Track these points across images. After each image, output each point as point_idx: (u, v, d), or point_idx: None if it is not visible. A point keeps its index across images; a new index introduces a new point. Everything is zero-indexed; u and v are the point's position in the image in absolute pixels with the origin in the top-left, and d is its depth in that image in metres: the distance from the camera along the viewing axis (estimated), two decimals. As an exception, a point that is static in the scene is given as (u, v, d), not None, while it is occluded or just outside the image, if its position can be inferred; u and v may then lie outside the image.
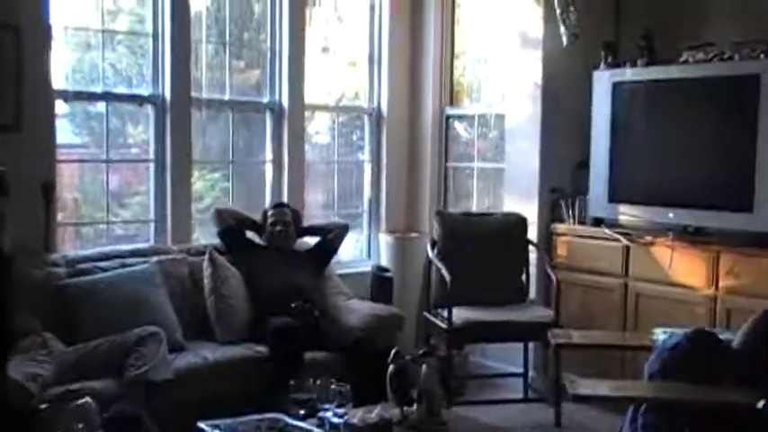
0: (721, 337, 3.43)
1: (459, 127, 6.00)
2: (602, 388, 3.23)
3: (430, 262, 5.06)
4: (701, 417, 3.04)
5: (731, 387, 3.06)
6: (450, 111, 5.92)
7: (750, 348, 3.21)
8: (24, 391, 3.22)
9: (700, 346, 3.15)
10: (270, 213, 4.84)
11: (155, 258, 4.49)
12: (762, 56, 4.28)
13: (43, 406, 2.97)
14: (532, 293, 5.12)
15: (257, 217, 4.91)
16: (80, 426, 2.87)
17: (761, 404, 2.75)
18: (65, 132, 4.66)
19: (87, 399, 3.02)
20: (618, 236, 4.79)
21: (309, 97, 5.47)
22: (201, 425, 2.99)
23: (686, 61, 4.61)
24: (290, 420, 3.07)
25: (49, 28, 4.34)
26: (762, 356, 3.18)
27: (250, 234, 4.91)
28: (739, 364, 3.16)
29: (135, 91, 4.82)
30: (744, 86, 4.27)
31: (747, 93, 4.23)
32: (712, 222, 4.44)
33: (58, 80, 4.47)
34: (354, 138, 6.00)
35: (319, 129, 5.90)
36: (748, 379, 3.09)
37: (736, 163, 4.34)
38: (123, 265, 4.35)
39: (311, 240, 5.04)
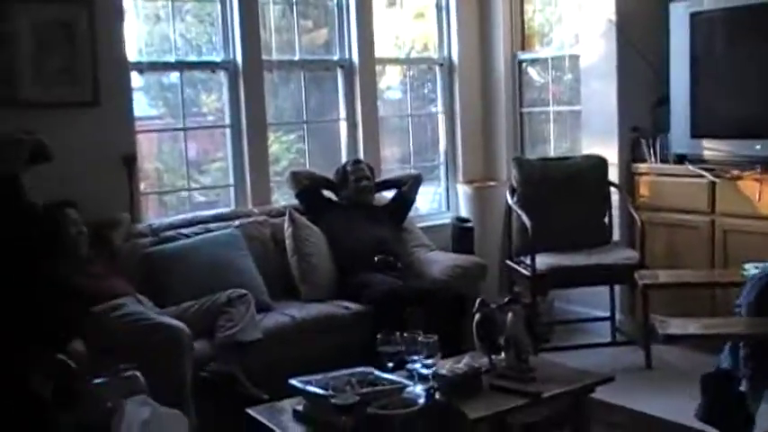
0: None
1: (532, 71, 5.90)
2: (693, 327, 3.16)
3: (510, 209, 5.02)
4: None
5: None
6: (522, 56, 5.82)
7: None
8: (67, 368, 3.30)
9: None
10: (350, 170, 4.86)
11: (236, 222, 4.56)
12: None
13: (96, 381, 3.05)
14: (616, 235, 5.04)
15: (331, 176, 4.94)
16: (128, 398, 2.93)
17: None
18: (141, 105, 4.75)
19: (135, 372, 3.09)
20: (702, 172, 4.66)
21: (379, 52, 5.45)
22: (293, 381, 3.03)
23: (766, -15, 4.43)
24: (379, 373, 3.10)
25: (120, 1, 4.41)
26: None
27: (326, 193, 4.94)
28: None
29: (206, 58, 4.87)
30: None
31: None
32: (801, 152, 4.29)
33: (132, 53, 4.55)
34: (426, 90, 5.95)
35: (391, 84, 5.88)
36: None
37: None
38: (206, 231, 4.45)
39: (387, 195, 5.05)
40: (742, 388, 3.05)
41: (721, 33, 4.66)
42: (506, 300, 3.33)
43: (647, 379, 4.42)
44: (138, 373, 3.09)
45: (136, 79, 4.62)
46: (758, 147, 4.42)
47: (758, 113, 4.48)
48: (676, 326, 3.16)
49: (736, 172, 4.53)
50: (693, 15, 4.67)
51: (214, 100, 4.99)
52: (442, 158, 5.92)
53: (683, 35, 4.72)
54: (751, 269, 3.55)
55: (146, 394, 3.02)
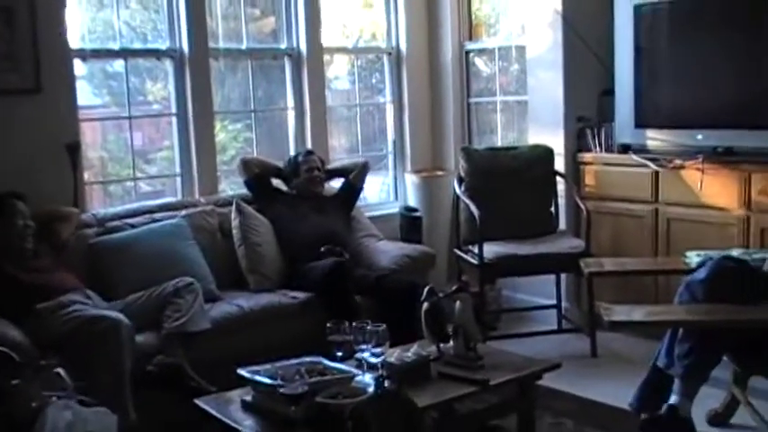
0: (755, 256, 3.42)
1: (479, 62, 5.93)
2: (638, 314, 3.21)
3: (458, 199, 5.05)
4: (739, 341, 3.04)
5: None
6: (469, 45, 5.85)
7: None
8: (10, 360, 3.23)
9: (728, 274, 3.13)
10: (302, 161, 4.84)
11: (183, 212, 4.52)
12: (788, -33, 4.17)
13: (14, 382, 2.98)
14: (562, 224, 5.10)
15: (280, 165, 4.92)
16: (53, 394, 2.86)
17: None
18: (85, 93, 4.67)
19: (58, 369, 3.02)
20: (646, 161, 4.73)
21: (327, 41, 5.43)
22: (241, 371, 3.02)
23: (708, -22, 4.51)
24: (328, 362, 3.10)
25: (61, -13, 4.33)
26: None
27: (275, 182, 4.91)
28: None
29: (152, 46, 4.80)
30: (769, 0, 4.17)
31: (774, 6, 4.14)
32: (742, 142, 4.36)
33: (74, 40, 4.46)
34: (374, 80, 5.95)
35: (339, 73, 5.86)
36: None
37: (763, 79, 4.25)
38: (152, 221, 4.40)
39: (335, 184, 5.05)
40: (673, 394, 3.09)
41: (664, 25, 4.72)
42: (454, 288, 3.35)
43: (592, 366, 4.48)
44: (62, 371, 3.00)
45: (79, 67, 4.54)
46: (700, 137, 4.50)
47: (700, 104, 4.56)
48: (621, 313, 3.20)
49: (678, 161, 4.60)
50: (637, 7, 4.73)
51: (160, 88, 4.92)
52: (390, 148, 5.92)
53: (627, 27, 4.78)
54: (693, 257, 3.62)
55: (69, 391, 2.94)
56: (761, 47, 4.28)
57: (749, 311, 3.01)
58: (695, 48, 4.58)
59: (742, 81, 4.38)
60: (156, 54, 4.79)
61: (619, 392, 3.63)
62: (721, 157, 4.43)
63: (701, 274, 3.15)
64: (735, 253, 3.54)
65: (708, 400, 3.51)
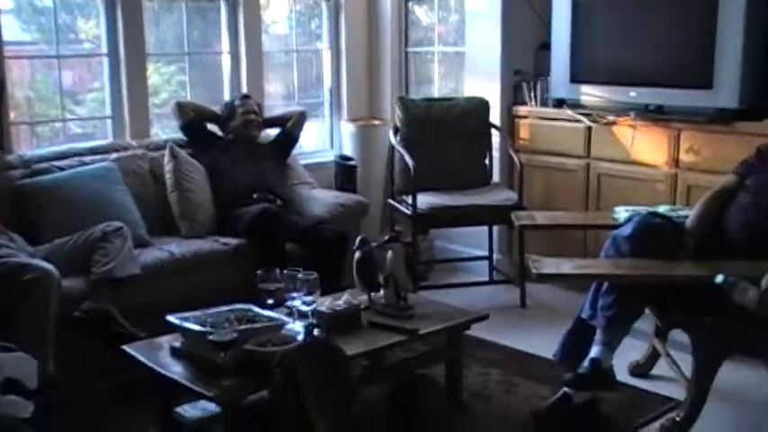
0: (681, 213, 3.50)
1: (419, 11, 5.89)
2: (566, 267, 3.26)
3: (393, 149, 5.05)
4: (661, 295, 3.12)
5: (689, 263, 3.13)
6: (409, -6, 5.81)
7: (701, 226, 3.29)
8: None
9: (652, 231, 3.20)
10: (238, 104, 4.77)
11: (114, 155, 4.42)
12: (722, -74, 4.20)
13: None
14: (496, 177, 5.15)
15: (217, 109, 4.84)
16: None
17: (719, 278, 2.80)
18: (12, 29, 4.49)
19: None
20: (580, 116, 4.78)
21: (263, -15, 5.33)
22: (170, 318, 3.00)
23: (647, -64, 4.53)
24: (258, 310, 3.10)
25: None
26: (712, 234, 3.27)
27: (211, 127, 4.84)
28: (692, 242, 3.23)
29: (81, -18, 4.65)
30: (704, -40, 4.20)
31: (708, -32, 4.17)
32: (673, 100, 4.42)
33: (0, -27, 4.30)
34: (313, 26, 5.86)
35: (276, 18, 5.76)
36: (702, 255, 3.17)
37: (695, 40, 4.30)
38: (82, 164, 4.28)
39: (272, 132, 4.99)
40: (595, 345, 3.16)
41: (603, -19, 4.76)
42: (387, 238, 3.37)
43: (521, 316, 4.58)
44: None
45: (5, 0, 4.38)
46: (633, 94, 4.56)
47: (634, 61, 4.61)
48: (550, 265, 3.25)
49: (611, 117, 4.67)
50: (577, -38, 4.75)
51: (92, 26, 4.78)
52: (326, 96, 5.87)
53: (565, -19, 4.79)
54: (621, 212, 3.68)
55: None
56: (693, 8, 4.33)
57: (671, 267, 3.08)
58: (631, 5, 4.61)
59: (674, 41, 4.42)
60: (86, -9, 4.65)
61: (546, 343, 3.71)
62: (653, 115, 4.49)
63: (627, 229, 3.22)
64: (661, 209, 3.61)
65: (630, 351, 3.62)
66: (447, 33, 5.78)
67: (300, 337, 2.88)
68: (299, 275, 3.13)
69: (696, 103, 4.31)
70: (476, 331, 3.52)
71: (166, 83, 5.21)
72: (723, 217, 3.27)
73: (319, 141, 5.87)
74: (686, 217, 3.38)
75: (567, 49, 4.81)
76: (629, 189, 4.56)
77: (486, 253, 5.14)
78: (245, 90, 5.14)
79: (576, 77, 4.82)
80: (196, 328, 2.89)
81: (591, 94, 4.78)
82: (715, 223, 3.28)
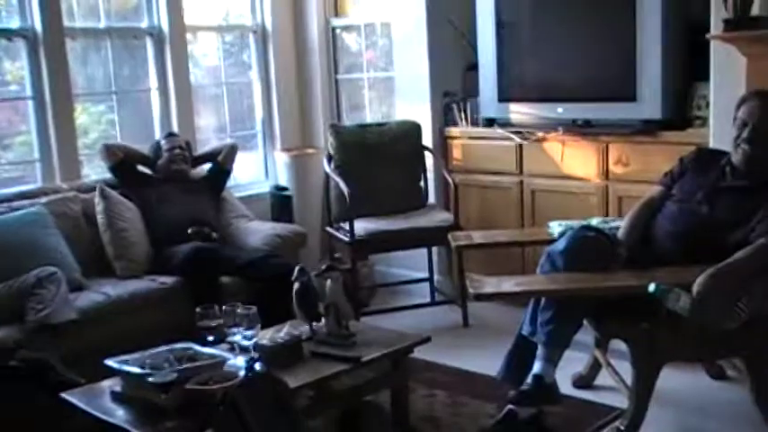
0: (612, 224, 3.57)
1: (347, 38, 5.93)
2: (506, 285, 3.29)
3: (328, 177, 5.05)
4: (597, 307, 3.17)
5: (622, 274, 3.19)
6: (335, 22, 5.83)
7: (632, 237, 3.36)
8: None
9: (585, 244, 3.25)
10: (164, 142, 4.75)
11: (44, 199, 4.35)
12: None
13: None
14: (432, 198, 5.18)
15: (146, 150, 4.80)
16: None
17: (652, 287, 2.86)
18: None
19: None
20: (510, 134, 4.85)
21: (191, 18, 5.30)
22: (109, 362, 2.95)
23: (565, -45, 4.63)
24: (199, 348, 3.06)
25: None
26: (643, 244, 3.34)
27: (141, 168, 4.79)
28: (625, 253, 3.30)
29: (2, 26, 4.57)
30: (621, -23, 4.32)
31: (625, -17, 4.28)
32: (600, 114, 4.52)
33: None
34: (244, 57, 5.86)
35: (206, 50, 5.74)
36: (634, 265, 3.23)
37: (618, 55, 4.40)
38: (11, 209, 4.20)
39: (206, 168, 4.97)
40: (537, 360, 3.20)
41: (524, 1, 4.84)
42: (324, 267, 3.36)
43: (464, 336, 4.60)
44: None
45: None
46: (560, 110, 4.64)
47: (560, 78, 4.70)
48: (491, 284, 3.28)
49: (540, 134, 4.74)
50: (498, -17, 4.83)
51: (18, 68, 4.70)
52: (259, 127, 5.86)
53: (488, 3, 4.85)
54: (555, 227, 3.73)
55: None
56: (614, 24, 4.43)
57: (605, 278, 3.14)
58: (554, 23, 4.70)
59: (598, 56, 4.53)
60: (7, 34, 4.57)
61: (489, 361, 3.72)
62: (581, 129, 4.58)
63: (561, 244, 3.27)
64: (594, 222, 3.66)
65: (573, 363, 3.65)
66: (376, 59, 5.82)
67: (242, 373, 2.85)
68: (239, 310, 3.11)
69: (622, 115, 4.41)
70: (420, 354, 3.52)
71: (95, 123, 5.15)
72: (652, 226, 3.36)
73: (254, 173, 5.84)
74: (618, 228, 3.45)
75: (494, 69, 4.89)
76: (562, 203, 4.63)
77: (426, 275, 5.16)
78: (175, 125, 5.11)
79: (505, 96, 4.89)
80: (135, 370, 2.85)
81: (520, 111, 4.85)
82: (645, 233, 3.36)
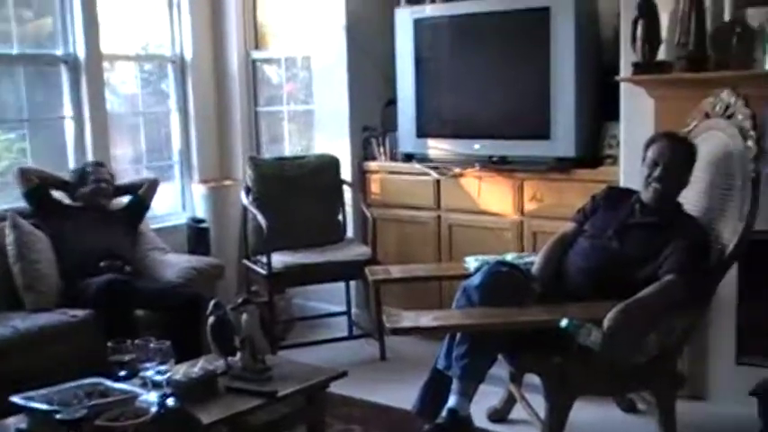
0: (527, 260, 3.63)
1: (267, 70, 5.93)
2: (424, 319, 3.31)
3: (246, 209, 5.02)
4: (511, 342, 3.22)
5: (536, 309, 3.25)
6: (256, 54, 5.84)
7: (545, 272, 3.43)
8: None
9: (500, 279, 3.30)
10: (90, 171, 4.65)
11: (-50, 229, 4.22)
12: (551, -12, 4.45)
13: None
14: (350, 232, 5.20)
15: (65, 176, 4.70)
16: None
17: (564, 322, 2.92)
18: None
19: None
20: (428, 170, 4.91)
21: (108, 47, 5.23)
22: (15, 398, 2.86)
23: (482, -4, 4.74)
24: (110, 383, 2.99)
25: None
26: (557, 279, 3.41)
27: (56, 194, 4.68)
28: (539, 288, 3.36)
29: None
30: (535, 19, 4.42)
31: (539, 25, 4.39)
32: (515, 151, 4.62)
33: None
34: (163, 86, 5.80)
35: (125, 78, 5.67)
36: (548, 300, 3.30)
37: (533, 93, 4.51)
38: None
39: (124, 200, 4.89)
40: (452, 395, 3.22)
41: (443, 40, 4.92)
42: (240, 301, 3.33)
43: (381, 370, 4.60)
44: None
45: None
46: (477, 146, 4.73)
47: (476, 115, 4.79)
48: (409, 318, 3.30)
49: (458, 170, 4.82)
50: (417, 21, 4.91)
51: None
52: (176, 157, 5.79)
53: (407, 40, 4.94)
54: (471, 262, 3.78)
55: None
56: (529, 63, 4.55)
57: (519, 313, 3.19)
58: (472, 62, 4.80)
59: (514, 94, 4.64)
60: None
61: (406, 395, 3.71)
62: (497, 166, 4.67)
63: (476, 279, 3.31)
64: (509, 257, 3.73)
65: (488, 397, 3.69)
66: (297, 91, 5.84)
67: (155, 409, 2.79)
68: (152, 344, 3.05)
69: (536, 152, 4.52)
70: (337, 388, 3.50)
71: (6, 150, 5.02)
72: (565, 262, 3.43)
73: (170, 204, 5.77)
74: (532, 264, 3.52)
75: (413, 105, 4.96)
76: (479, 238, 4.70)
77: (344, 308, 5.16)
78: (90, 155, 5.01)
79: (423, 132, 4.96)
80: (43, 407, 2.76)
81: (437, 147, 4.93)
82: (558, 269, 3.43)
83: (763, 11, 3.61)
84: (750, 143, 3.17)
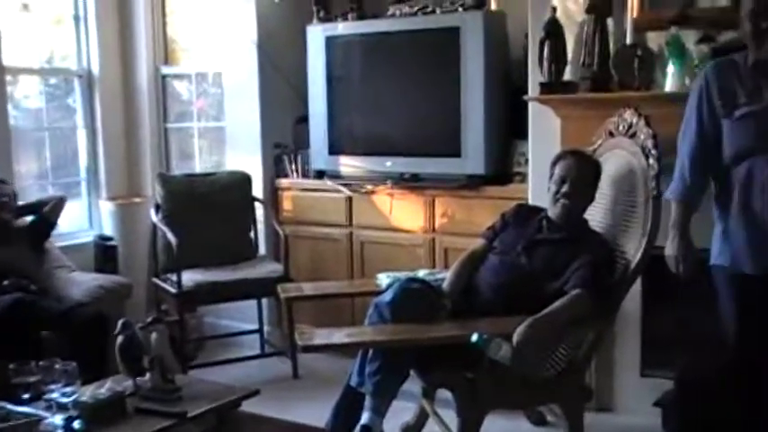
0: (438, 276, 3.67)
1: (177, 85, 5.86)
2: (337, 336, 3.32)
3: (155, 226, 4.94)
4: (423, 357, 3.25)
5: (447, 325, 3.28)
6: (166, 70, 5.76)
7: (456, 288, 3.47)
8: None
9: (411, 296, 3.33)
10: None
11: None
12: (460, 9, 4.53)
13: None
14: (262, 250, 5.17)
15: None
16: None
17: (475, 337, 2.95)
18: None
19: None
20: (340, 187, 4.93)
21: (10, 59, 5.09)
22: None
23: (393, 15, 4.78)
24: (12, 407, 2.90)
25: None
26: (467, 295, 3.46)
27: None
28: (449, 304, 3.40)
29: None
30: (446, 38, 4.49)
31: (449, 44, 4.46)
32: (426, 168, 4.68)
33: None
34: (69, 101, 5.66)
35: (29, 92, 5.52)
36: (459, 316, 3.34)
37: (444, 111, 4.57)
38: None
39: (29, 219, 4.74)
40: (365, 411, 3.22)
41: (354, 57, 4.95)
42: (149, 320, 3.28)
43: (294, 388, 4.57)
44: None
45: None
46: (388, 163, 4.77)
47: (388, 133, 4.83)
48: (321, 336, 3.30)
49: (370, 187, 4.84)
50: (329, 39, 4.93)
51: None
52: (83, 174, 5.66)
53: (319, 57, 4.96)
54: (383, 279, 3.80)
55: None
56: (440, 81, 4.61)
57: (431, 329, 3.22)
58: (383, 80, 4.85)
59: (425, 112, 4.70)
60: None
61: (319, 412, 3.70)
62: (408, 183, 4.71)
63: (388, 296, 3.33)
64: (421, 274, 3.77)
65: (401, 413, 3.70)
66: (208, 107, 5.78)
67: (60, 432, 2.73)
68: (57, 365, 2.98)
69: (447, 170, 4.58)
70: (249, 407, 3.46)
71: None
72: (475, 278, 3.48)
73: (77, 221, 5.62)
74: (444, 280, 3.55)
75: (325, 122, 4.97)
76: (391, 255, 4.73)
77: (256, 326, 5.12)
78: (-10, 171, 4.86)
79: (335, 149, 4.98)
80: (-61, 433, 2.66)
81: (349, 164, 4.95)
82: (469, 285, 3.48)
83: (662, 35, 3.75)
84: (652, 161, 3.28)
